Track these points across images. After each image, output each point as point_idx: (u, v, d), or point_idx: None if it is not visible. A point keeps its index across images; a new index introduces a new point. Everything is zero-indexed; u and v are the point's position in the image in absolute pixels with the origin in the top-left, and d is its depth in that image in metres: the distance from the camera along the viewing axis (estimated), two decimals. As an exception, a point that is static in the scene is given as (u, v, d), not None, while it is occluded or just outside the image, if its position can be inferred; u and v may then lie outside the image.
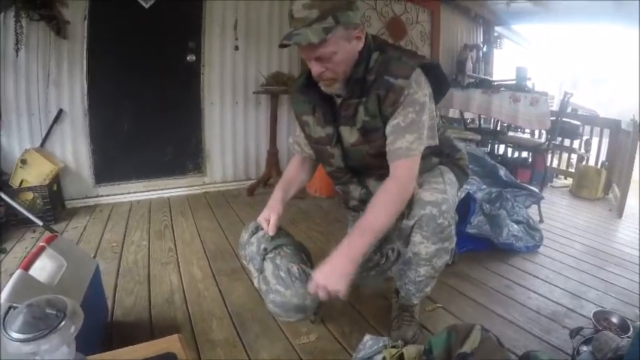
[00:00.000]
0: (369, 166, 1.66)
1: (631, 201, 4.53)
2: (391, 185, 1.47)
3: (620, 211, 4.25)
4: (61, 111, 3.36)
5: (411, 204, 1.55)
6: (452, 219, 1.55)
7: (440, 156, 1.73)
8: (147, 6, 3.57)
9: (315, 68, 1.46)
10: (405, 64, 1.45)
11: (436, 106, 1.63)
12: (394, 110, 1.46)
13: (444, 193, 1.55)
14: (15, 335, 0.80)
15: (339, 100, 1.58)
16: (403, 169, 1.47)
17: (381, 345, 1.41)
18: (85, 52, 3.39)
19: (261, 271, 1.56)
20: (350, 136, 1.60)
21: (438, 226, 1.52)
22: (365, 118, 1.52)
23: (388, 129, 1.49)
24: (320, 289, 1.33)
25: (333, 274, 1.34)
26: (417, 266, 1.63)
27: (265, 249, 1.58)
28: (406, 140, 1.45)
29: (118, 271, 2.28)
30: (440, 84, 1.60)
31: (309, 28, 1.33)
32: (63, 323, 0.84)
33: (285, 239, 1.65)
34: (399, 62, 1.46)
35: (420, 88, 1.46)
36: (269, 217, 1.64)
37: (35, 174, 3.07)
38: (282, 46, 1.41)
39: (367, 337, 1.48)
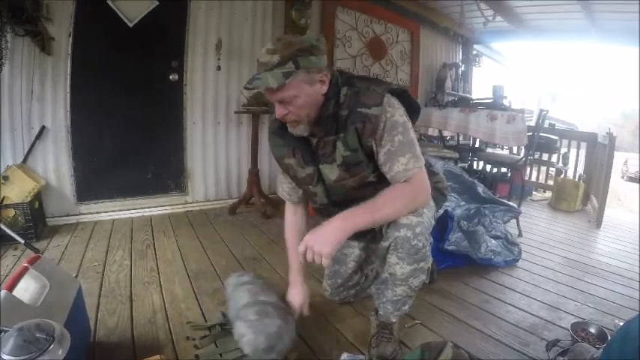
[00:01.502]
0: (352, 199, 1.69)
1: (609, 211, 4.65)
2: (401, 185, 1.51)
3: (598, 222, 4.37)
4: (43, 127, 3.34)
5: (387, 225, 1.60)
6: (426, 240, 1.59)
7: None
8: (131, 25, 3.60)
9: (279, 111, 1.50)
10: (374, 92, 1.49)
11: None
12: (380, 139, 1.50)
13: (419, 215, 1.58)
14: (7, 358, 0.82)
15: (314, 140, 1.62)
16: (410, 181, 1.51)
17: (358, 362, 1.44)
18: (68, 68, 3.38)
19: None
20: (331, 173, 1.63)
21: (412, 248, 1.55)
22: (345, 153, 1.55)
23: (381, 158, 1.53)
24: (308, 249, 1.41)
25: (322, 238, 1.42)
26: (393, 286, 1.67)
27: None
28: (401, 163, 1.49)
29: (100, 291, 2.27)
30: (410, 109, 1.63)
31: (270, 73, 1.38)
32: (52, 346, 0.87)
33: None
34: (369, 92, 1.50)
35: (396, 110, 1.50)
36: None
37: (17, 191, 3.05)
38: (246, 89, 1.46)
39: (345, 355, 1.51)
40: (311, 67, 1.42)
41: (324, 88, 1.50)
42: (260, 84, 1.38)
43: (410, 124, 1.54)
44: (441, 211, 2.71)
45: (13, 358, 0.82)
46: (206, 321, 1.97)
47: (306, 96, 1.46)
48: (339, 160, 1.58)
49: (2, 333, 0.87)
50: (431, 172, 1.85)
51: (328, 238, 1.42)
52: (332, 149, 1.57)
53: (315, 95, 1.48)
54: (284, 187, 1.94)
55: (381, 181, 1.58)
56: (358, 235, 1.87)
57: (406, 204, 1.53)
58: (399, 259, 1.58)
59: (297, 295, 1.85)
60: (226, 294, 1.92)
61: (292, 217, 1.99)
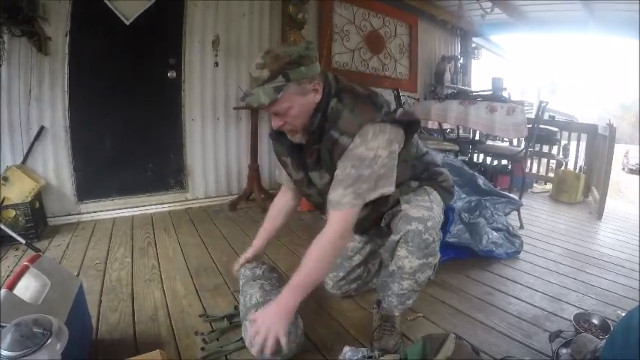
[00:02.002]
0: None
1: (610, 203, 4.65)
2: (323, 240, 1.53)
3: (599, 214, 4.37)
4: (42, 128, 3.33)
5: (397, 219, 1.62)
6: (437, 235, 1.61)
7: (419, 180, 1.78)
8: (128, 22, 3.60)
9: (275, 122, 1.54)
10: (355, 118, 1.49)
11: (410, 140, 1.69)
12: (339, 163, 1.52)
13: (430, 210, 1.61)
14: (4, 353, 0.82)
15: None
16: (335, 219, 1.53)
17: (360, 356, 1.44)
18: (66, 68, 3.37)
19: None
20: (320, 179, 1.67)
21: (423, 242, 1.57)
22: (328, 162, 1.58)
23: (334, 178, 1.55)
24: (258, 336, 1.44)
25: (270, 323, 1.44)
26: (400, 279, 1.67)
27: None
28: (338, 193, 1.50)
29: (102, 288, 2.26)
30: (408, 125, 1.63)
31: (262, 88, 1.42)
32: (49, 341, 0.88)
33: None
34: (350, 116, 1.49)
35: (364, 143, 1.48)
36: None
37: (17, 191, 3.05)
38: (242, 105, 1.50)
39: (346, 348, 1.51)
40: (302, 78, 1.44)
41: (318, 97, 1.52)
42: (253, 100, 1.43)
43: (376, 158, 1.50)
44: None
45: (10, 353, 0.82)
46: (207, 316, 1.97)
47: (300, 106, 1.49)
48: (325, 168, 1.61)
49: (0, 329, 0.88)
50: (436, 172, 1.87)
51: (275, 323, 1.45)
52: (317, 157, 1.60)
53: (309, 105, 1.51)
54: (282, 174, 1.97)
55: None
56: (362, 230, 1.89)
57: (331, 258, 1.59)
58: (408, 252, 1.60)
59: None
60: (239, 285, 1.95)
61: (280, 198, 2.09)
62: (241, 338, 1.69)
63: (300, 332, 1.62)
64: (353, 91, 1.59)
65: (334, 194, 1.51)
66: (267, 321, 1.45)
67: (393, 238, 1.63)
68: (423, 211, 1.59)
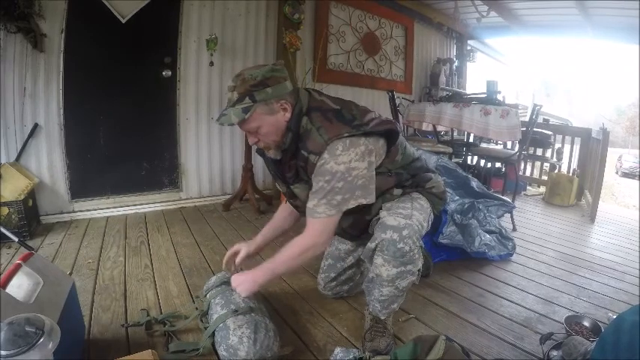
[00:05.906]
0: None
1: (603, 206, 4.68)
2: (295, 244, 1.69)
3: (592, 217, 4.40)
4: (36, 125, 3.32)
5: (375, 227, 1.66)
6: (414, 244, 1.59)
7: (403, 187, 1.80)
8: (124, 21, 3.58)
9: (250, 139, 1.66)
10: (320, 137, 1.54)
11: (392, 150, 1.72)
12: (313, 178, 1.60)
13: (408, 218, 1.61)
14: (-3, 352, 0.82)
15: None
16: (311, 226, 1.65)
17: (351, 357, 1.44)
18: (61, 65, 3.36)
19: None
20: (302, 192, 1.73)
21: (398, 251, 1.57)
22: (305, 177, 1.67)
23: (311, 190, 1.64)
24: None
25: (243, 284, 1.76)
26: (380, 286, 1.69)
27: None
28: (313, 203, 1.61)
29: (95, 287, 2.26)
30: (387, 135, 1.67)
31: (232, 109, 1.53)
32: (41, 340, 0.88)
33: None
34: (316, 136, 1.56)
35: (333, 158, 1.53)
36: (239, 250, 2.03)
37: (10, 189, 3.03)
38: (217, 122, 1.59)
39: (338, 349, 1.52)
40: (268, 99, 1.53)
41: (287, 115, 1.60)
42: (225, 120, 1.54)
43: (350, 171, 1.55)
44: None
45: (2, 352, 0.82)
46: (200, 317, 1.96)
47: (269, 125, 1.58)
48: (303, 182, 1.70)
49: (-3, 327, 0.88)
50: (424, 179, 1.87)
51: (247, 286, 1.76)
52: (296, 171, 1.69)
53: (278, 123, 1.59)
54: None
55: None
56: (351, 237, 1.94)
57: (299, 260, 1.71)
58: (384, 261, 1.61)
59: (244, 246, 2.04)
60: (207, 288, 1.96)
61: (279, 213, 2.14)
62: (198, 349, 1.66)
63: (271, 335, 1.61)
64: (323, 107, 1.64)
65: (310, 204, 1.63)
66: (241, 283, 1.76)
67: (369, 245, 1.65)
68: (399, 219, 1.59)
